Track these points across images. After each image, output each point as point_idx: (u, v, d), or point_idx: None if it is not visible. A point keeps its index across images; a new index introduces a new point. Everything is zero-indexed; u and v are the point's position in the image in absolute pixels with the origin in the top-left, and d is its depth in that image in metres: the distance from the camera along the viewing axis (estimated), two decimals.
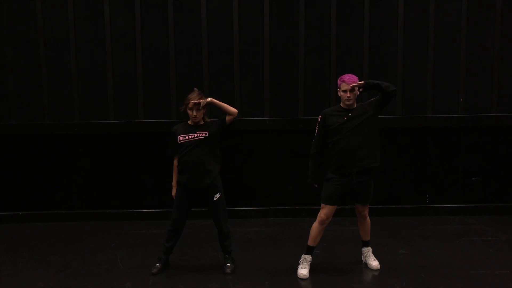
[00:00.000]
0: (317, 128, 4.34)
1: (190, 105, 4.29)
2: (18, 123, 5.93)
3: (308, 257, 4.37)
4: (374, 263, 4.48)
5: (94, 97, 5.96)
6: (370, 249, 4.56)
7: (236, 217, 5.83)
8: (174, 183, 4.48)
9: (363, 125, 4.18)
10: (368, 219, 4.47)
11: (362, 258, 4.58)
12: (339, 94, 4.29)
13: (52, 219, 5.99)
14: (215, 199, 4.38)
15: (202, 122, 4.39)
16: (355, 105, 4.27)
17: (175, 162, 4.45)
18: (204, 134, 4.32)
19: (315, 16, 5.92)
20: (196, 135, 4.31)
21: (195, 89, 4.43)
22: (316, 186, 4.41)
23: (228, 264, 4.47)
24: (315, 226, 4.32)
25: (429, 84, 5.97)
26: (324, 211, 4.27)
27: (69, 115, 5.95)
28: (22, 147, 5.97)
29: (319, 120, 4.32)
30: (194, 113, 4.30)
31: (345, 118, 4.20)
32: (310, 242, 4.35)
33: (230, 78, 5.96)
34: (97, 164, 6.02)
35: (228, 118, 4.38)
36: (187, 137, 4.32)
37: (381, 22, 5.92)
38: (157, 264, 4.47)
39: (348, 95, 4.19)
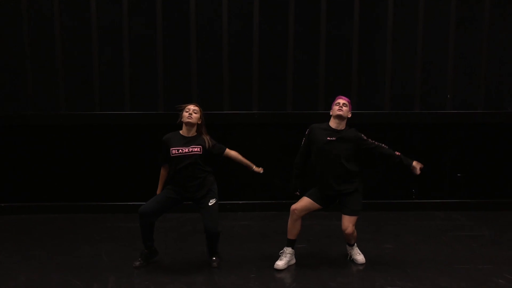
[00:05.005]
0: (303, 140, 4.41)
1: (187, 108, 4.22)
2: (0, 114, 5.83)
3: (288, 249, 4.41)
4: (359, 257, 4.50)
5: (79, 87, 5.88)
6: (355, 245, 4.57)
7: (224, 210, 5.79)
8: (158, 192, 4.40)
9: (342, 155, 4.20)
10: (354, 234, 4.35)
11: (348, 253, 4.59)
12: (331, 112, 4.32)
13: (36, 211, 5.92)
14: (210, 204, 4.31)
15: (195, 133, 4.30)
16: (344, 127, 4.28)
17: (163, 172, 4.38)
18: (198, 149, 4.22)
19: (305, 10, 5.89)
20: (190, 149, 4.21)
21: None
22: (298, 193, 4.49)
23: (214, 258, 4.45)
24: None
25: (417, 79, 5.99)
26: (298, 202, 4.34)
27: (54, 106, 5.87)
28: (5, 138, 5.88)
29: (307, 132, 4.38)
30: (190, 112, 4.20)
31: (328, 138, 4.22)
32: (287, 235, 4.42)
33: (219, 70, 5.92)
34: (82, 155, 5.95)
35: (226, 155, 4.39)
36: (180, 150, 4.20)
37: (371, 16, 5.92)
38: (139, 258, 4.43)
39: (341, 106, 4.23)
